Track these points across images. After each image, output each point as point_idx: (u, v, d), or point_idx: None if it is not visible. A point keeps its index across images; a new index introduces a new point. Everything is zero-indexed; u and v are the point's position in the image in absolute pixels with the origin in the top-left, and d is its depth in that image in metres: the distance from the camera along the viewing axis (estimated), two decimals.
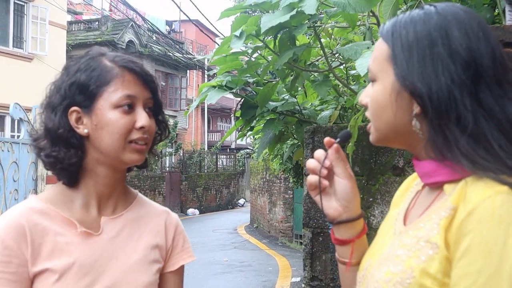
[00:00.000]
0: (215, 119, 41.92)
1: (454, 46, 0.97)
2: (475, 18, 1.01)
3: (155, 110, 1.38)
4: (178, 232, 1.48)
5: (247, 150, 28.58)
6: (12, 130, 15.73)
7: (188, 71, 30.02)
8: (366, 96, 1.10)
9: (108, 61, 1.33)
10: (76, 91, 1.30)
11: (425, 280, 0.94)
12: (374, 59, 1.08)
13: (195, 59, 25.81)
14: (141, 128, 1.30)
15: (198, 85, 35.31)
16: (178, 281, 1.47)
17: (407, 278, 0.96)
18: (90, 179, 1.34)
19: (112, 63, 1.33)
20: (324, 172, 1.15)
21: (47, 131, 1.32)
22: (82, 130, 1.30)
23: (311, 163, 1.15)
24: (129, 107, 1.30)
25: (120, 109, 1.29)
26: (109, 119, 1.28)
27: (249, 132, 3.75)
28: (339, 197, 1.16)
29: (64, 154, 1.29)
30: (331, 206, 1.16)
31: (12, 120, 15.10)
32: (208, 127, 38.12)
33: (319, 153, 1.16)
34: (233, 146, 35.87)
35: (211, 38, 20.51)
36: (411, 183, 1.21)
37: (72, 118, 1.30)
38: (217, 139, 36.40)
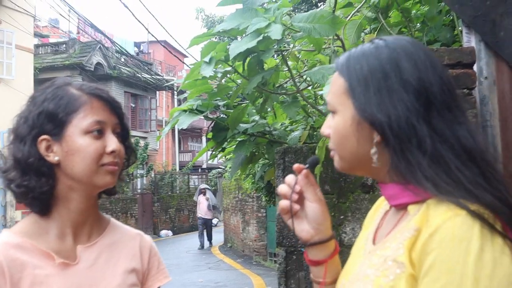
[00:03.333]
0: (186, 139, 41.81)
1: (405, 77, 1.03)
2: (421, 49, 1.08)
3: (123, 135, 1.41)
4: (153, 254, 1.51)
5: (219, 169, 28.54)
6: None
7: (157, 92, 29.96)
8: (327, 127, 1.15)
9: (75, 89, 1.36)
10: (45, 120, 1.31)
11: None
12: (332, 93, 1.13)
13: (164, 81, 25.77)
14: (112, 152, 1.32)
15: (168, 105, 35.29)
16: None
17: None
18: (63, 207, 1.34)
19: (79, 91, 1.35)
20: (295, 197, 1.21)
21: (16, 162, 1.32)
22: (53, 158, 1.31)
23: (282, 189, 1.22)
24: (99, 133, 1.32)
25: (91, 135, 1.31)
26: (80, 145, 1.30)
27: (221, 154, 3.80)
28: (311, 220, 1.22)
29: (35, 183, 1.30)
30: (303, 229, 1.22)
31: None
32: (179, 147, 37.98)
33: (290, 178, 1.23)
34: (204, 165, 35.77)
35: (179, 59, 20.52)
36: (381, 204, 1.26)
37: (42, 147, 1.31)
38: (189, 159, 36.28)
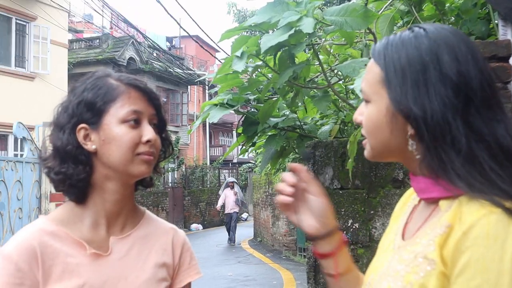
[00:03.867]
0: (217, 134, 41.98)
1: (445, 71, 1.00)
2: (463, 41, 1.04)
3: (159, 127, 1.42)
4: (185, 249, 1.50)
5: (249, 164, 28.61)
6: (15, 149, 15.79)
7: (189, 86, 30.13)
8: (360, 114, 1.13)
9: (113, 80, 1.38)
10: (84, 109, 1.34)
11: None
12: (367, 81, 1.11)
13: (196, 76, 25.91)
14: (148, 142, 1.33)
15: (199, 100, 35.49)
16: None
17: None
18: (98, 197, 1.36)
19: (118, 81, 1.38)
20: (290, 190, 1.23)
21: (55, 150, 1.35)
22: (90, 146, 1.33)
23: (279, 185, 1.24)
24: (136, 122, 1.34)
25: (127, 124, 1.33)
26: (116, 133, 1.32)
27: (251, 148, 3.81)
28: (316, 214, 1.24)
29: (72, 170, 1.32)
30: (309, 224, 1.24)
31: (15, 139, 15.16)
32: (210, 142, 38.17)
33: (287, 175, 1.24)
34: (235, 160, 35.87)
35: (211, 53, 20.59)
36: (409, 197, 1.24)
37: (80, 135, 1.33)
38: (219, 154, 36.42)
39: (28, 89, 16.51)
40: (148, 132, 1.35)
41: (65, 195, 1.39)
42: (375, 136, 1.09)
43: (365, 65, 2.36)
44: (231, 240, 18.27)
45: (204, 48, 18.03)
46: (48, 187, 11.98)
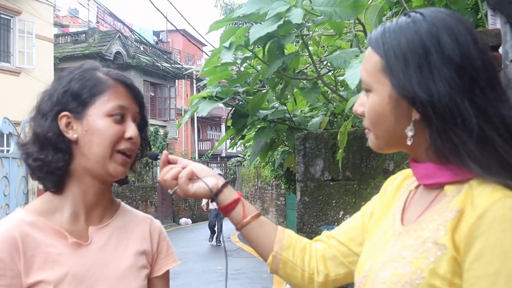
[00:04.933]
0: (205, 128, 41.93)
1: (447, 53, 1.00)
2: (461, 22, 1.04)
3: (141, 126, 1.43)
4: (162, 238, 1.53)
5: (238, 158, 28.59)
6: (1, 144, 15.66)
7: (176, 80, 30.06)
8: (361, 105, 1.13)
9: (102, 74, 1.39)
10: (69, 98, 1.34)
11: (435, 280, 0.97)
12: (366, 70, 1.10)
13: (183, 70, 25.83)
14: (130, 138, 1.34)
15: (187, 94, 35.38)
16: (165, 285, 1.52)
17: (416, 278, 0.99)
18: (76, 188, 1.37)
19: (106, 75, 1.38)
20: (175, 182, 1.37)
21: (35, 136, 1.35)
22: (72, 135, 1.33)
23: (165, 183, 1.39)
24: (120, 118, 1.35)
25: (112, 118, 1.33)
26: (100, 126, 1.32)
27: (241, 141, 3.79)
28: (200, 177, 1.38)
29: (51, 157, 1.32)
30: (201, 187, 1.37)
31: (1, 135, 15.03)
32: (198, 136, 38.12)
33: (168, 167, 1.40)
34: (223, 154, 35.87)
35: (198, 47, 20.54)
36: (401, 184, 1.24)
37: (62, 123, 1.33)
38: (208, 148, 36.41)
39: (13, 84, 16.38)
40: (131, 129, 1.36)
41: (41, 183, 1.39)
42: (380, 125, 1.09)
43: (356, 55, 2.35)
44: (217, 238, 16.32)
45: (191, 42, 17.99)
46: (35, 183, 11.89)
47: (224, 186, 1.39)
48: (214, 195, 1.37)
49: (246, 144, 6.44)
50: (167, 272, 1.51)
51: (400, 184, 1.25)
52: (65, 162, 1.34)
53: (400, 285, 1.01)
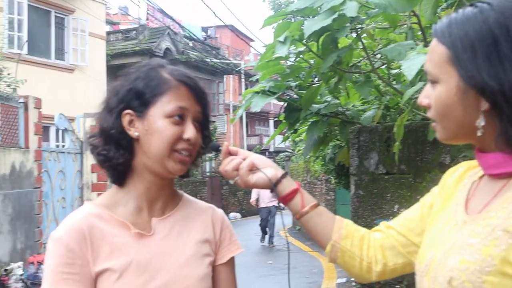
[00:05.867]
0: (253, 123, 42.05)
1: None
2: None
3: (203, 124, 1.45)
4: (225, 226, 1.55)
5: (286, 153, 28.58)
6: (57, 140, 16.11)
7: (224, 76, 30.22)
8: (426, 97, 1.13)
9: (166, 73, 1.41)
10: (133, 97, 1.38)
11: (506, 268, 0.97)
12: (432, 62, 1.10)
13: (232, 65, 25.96)
14: (188, 140, 1.37)
15: (235, 89, 35.56)
16: (229, 272, 1.54)
17: (486, 266, 0.99)
18: (138, 182, 1.41)
19: (170, 75, 1.40)
20: (236, 173, 1.43)
21: (101, 130, 1.40)
22: (133, 132, 1.37)
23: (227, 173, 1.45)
24: (180, 118, 1.37)
25: (171, 119, 1.36)
26: (159, 126, 1.35)
27: (293, 135, 3.81)
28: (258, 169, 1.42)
29: (113, 153, 1.37)
30: (261, 177, 1.41)
31: (57, 130, 15.45)
32: (247, 131, 38.27)
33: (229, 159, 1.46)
34: (272, 149, 35.90)
35: (246, 42, 20.65)
36: (464, 174, 1.24)
37: (125, 120, 1.37)
38: (256, 143, 36.49)
39: (68, 81, 16.81)
40: (190, 130, 1.38)
41: (107, 175, 1.45)
42: (448, 116, 1.09)
43: (411, 48, 2.33)
44: (270, 240, 15.20)
45: (240, 37, 18.07)
46: (89, 177, 12.19)
47: (283, 176, 1.42)
48: (273, 186, 1.40)
49: (296, 139, 6.43)
50: (232, 259, 1.54)
51: (461, 175, 1.25)
52: (125, 159, 1.38)
53: (469, 272, 1.01)
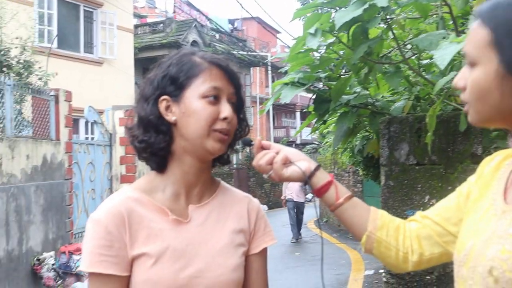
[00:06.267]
0: (279, 115, 42.00)
1: None
2: None
3: (238, 106, 1.47)
4: (260, 216, 1.56)
5: (313, 145, 28.48)
6: (86, 132, 16.32)
7: (251, 68, 30.24)
8: (462, 79, 1.12)
9: (198, 57, 1.44)
10: (168, 82, 1.40)
11: None
12: (472, 44, 1.09)
13: (258, 57, 25.93)
14: (225, 118, 1.38)
15: (261, 82, 35.53)
16: (262, 263, 1.55)
17: None
18: (177, 167, 1.43)
19: (201, 59, 1.43)
20: (269, 167, 1.44)
21: (140, 120, 1.43)
22: (171, 117, 1.39)
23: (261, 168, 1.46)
24: (215, 99, 1.39)
25: (207, 99, 1.38)
26: (195, 107, 1.37)
27: (322, 126, 3.81)
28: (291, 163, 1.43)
29: (154, 139, 1.40)
30: (295, 170, 1.42)
31: (86, 123, 15.64)
32: (273, 123, 38.24)
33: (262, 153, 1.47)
34: (298, 141, 35.84)
35: (273, 34, 20.61)
36: (501, 164, 1.23)
37: (162, 106, 1.40)
38: (282, 135, 36.47)
39: (96, 74, 16.99)
40: (226, 109, 1.39)
41: (147, 163, 1.47)
42: (483, 100, 1.08)
43: (443, 38, 2.32)
44: (296, 235, 14.39)
45: (266, 29, 18.05)
46: (118, 169, 12.34)
47: (316, 169, 1.43)
48: (307, 178, 1.41)
49: (323, 131, 6.42)
50: (265, 249, 1.54)
51: (498, 164, 1.24)
52: (166, 143, 1.40)
53: (511, 262, 1.00)
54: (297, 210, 14.36)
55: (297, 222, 14.42)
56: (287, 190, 14.68)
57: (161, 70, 1.43)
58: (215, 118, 1.38)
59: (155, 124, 1.40)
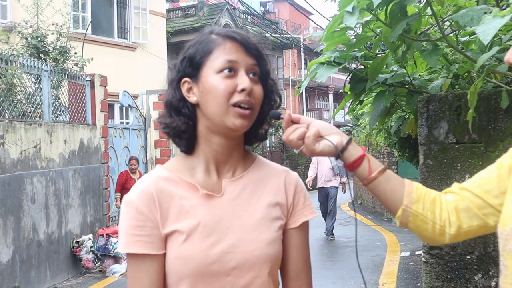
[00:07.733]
0: (312, 97, 41.82)
1: None
2: None
3: (262, 77, 1.44)
4: (299, 190, 1.52)
5: (346, 127, 28.30)
6: (121, 117, 16.51)
7: (284, 50, 30.10)
8: None
9: (213, 34, 1.43)
10: (187, 64, 1.41)
11: None
12: None
13: (291, 40, 25.77)
14: (242, 90, 1.35)
15: (294, 64, 35.37)
16: (302, 237, 1.51)
17: None
18: (205, 146, 1.43)
19: (216, 35, 1.42)
20: (300, 142, 1.40)
21: (166, 105, 1.45)
22: (192, 98, 1.40)
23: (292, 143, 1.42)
24: (230, 71, 1.37)
25: (222, 74, 1.36)
26: (211, 84, 1.36)
27: (358, 106, 3.78)
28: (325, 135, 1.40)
29: (176, 122, 1.41)
30: (327, 145, 1.38)
31: (120, 107, 15.82)
32: (306, 105, 38.10)
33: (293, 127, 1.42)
34: (332, 123, 35.67)
35: (306, 16, 20.41)
36: None
37: (184, 88, 1.41)
38: (315, 117, 36.30)
39: (130, 59, 17.16)
40: (243, 80, 1.36)
41: (176, 145, 1.48)
42: None
43: (485, 12, 2.26)
44: (329, 230, 12.11)
45: (298, 11, 17.90)
46: (153, 152, 12.48)
47: (348, 143, 1.40)
48: (339, 152, 1.38)
49: (358, 113, 6.35)
50: (305, 223, 1.51)
51: None
52: (187, 125, 1.41)
53: None
54: (327, 197, 12.16)
55: (333, 212, 12.18)
56: (317, 177, 12.39)
57: (182, 54, 1.44)
58: (232, 92, 1.36)
59: (176, 107, 1.42)
